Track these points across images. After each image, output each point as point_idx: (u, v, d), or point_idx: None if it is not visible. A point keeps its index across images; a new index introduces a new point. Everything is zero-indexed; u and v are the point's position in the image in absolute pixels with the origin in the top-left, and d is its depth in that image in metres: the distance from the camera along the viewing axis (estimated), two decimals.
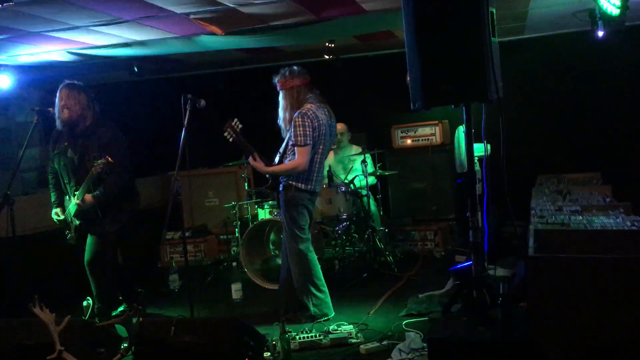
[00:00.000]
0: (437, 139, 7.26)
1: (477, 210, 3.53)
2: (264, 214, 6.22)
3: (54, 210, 4.86)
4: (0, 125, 7.67)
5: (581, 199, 4.29)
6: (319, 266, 4.71)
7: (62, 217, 4.82)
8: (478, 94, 3.34)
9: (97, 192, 4.56)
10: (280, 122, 4.66)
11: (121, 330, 3.70)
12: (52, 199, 4.90)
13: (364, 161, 6.38)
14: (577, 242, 3.25)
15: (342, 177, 6.74)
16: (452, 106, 3.56)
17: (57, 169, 4.78)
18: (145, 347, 3.53)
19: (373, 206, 6.62)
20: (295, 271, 4.62)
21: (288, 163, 4.53)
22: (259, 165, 4.58)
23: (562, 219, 3.63)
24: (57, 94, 4.63)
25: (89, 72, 6.89)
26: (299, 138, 4.42)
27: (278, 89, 4.62)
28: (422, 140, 7.36)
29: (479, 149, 3.93)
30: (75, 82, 4.71)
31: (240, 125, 4.54)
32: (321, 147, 4.58)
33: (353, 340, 4.09)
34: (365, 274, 5.85)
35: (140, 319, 3.48)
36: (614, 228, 3.34)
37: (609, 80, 6.95)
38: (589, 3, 5.08)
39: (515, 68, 6.65)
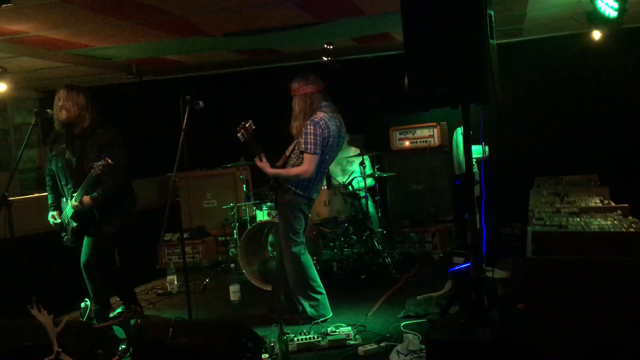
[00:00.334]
0: (435, 141, 7.26)
1: (475, 212, 3.53)
2: (262, 215, 6.23)
3: (50, 214, 4.83)
4: None
5: (579, 200, 4.28)
6: (314, 268, 4.73)
7: (58, 220, 4.78)
8: (476, 96, 3.35)
9: (95, 194, 4.53)
10: (292, 128, 4.65)
11: (119, 331, 3.69)
12: (49, 202, 4.87)
13: (362, 163, 6.38)
14: (575, 244, 3.24)
15: (341, 178, 6.74)
16: (450, 108, 3.56)
17: (55, 171, 4.75)
18: (143, 349, 3.52)
19: (371, 208, 6.63)
20: (291, 273, 4.64)
21: (295, 169, 4.53)
22: (265, 166, 4.58)
23: (559, 221, 3.63)
24: (56, 95, 4.62)
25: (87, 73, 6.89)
26: (309, 146, 4.42)
27: (292, 94, 4.62)
28: (420, 142, 7.35)
29: (477, 150, 3.94)
30: (74, 83, 4.71)
31: (253, 127, 4.54)
32: (327, 157, 4.60)
33: (351, 342, 4.09)
34: (364, 276, 5.84)
35: (138, 320, 3.48)
36: (612, 230, 3.33)
37: (606, 83, 6.96)
38: (586, 5, 5.09)
39: (513, 70, 6.67)
